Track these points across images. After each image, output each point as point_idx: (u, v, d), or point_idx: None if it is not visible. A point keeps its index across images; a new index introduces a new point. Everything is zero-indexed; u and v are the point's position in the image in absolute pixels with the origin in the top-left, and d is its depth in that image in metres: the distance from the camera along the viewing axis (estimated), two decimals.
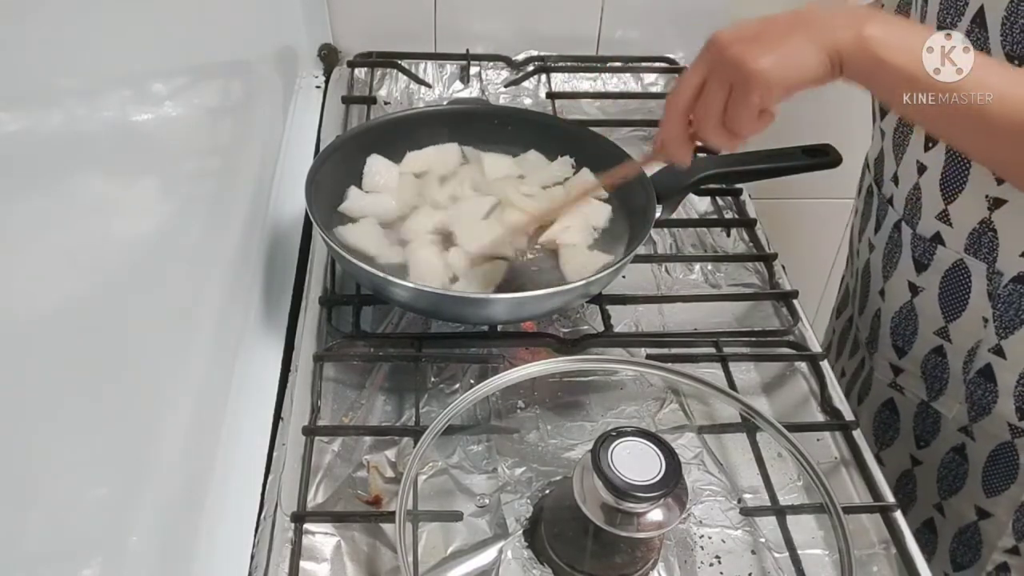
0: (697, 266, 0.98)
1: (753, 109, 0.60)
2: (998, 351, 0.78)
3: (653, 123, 1.16)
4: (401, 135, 0.94)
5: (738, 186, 1.02)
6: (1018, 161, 0.60)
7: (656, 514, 0.61)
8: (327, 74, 1.21)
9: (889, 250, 0.87)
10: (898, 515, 0.71)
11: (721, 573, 0.69)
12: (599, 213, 0.90)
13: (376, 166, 0.91)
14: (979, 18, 0.69)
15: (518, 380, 0.70)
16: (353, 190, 0.89)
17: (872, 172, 0.90)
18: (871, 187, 0.91)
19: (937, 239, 0.80)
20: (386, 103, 1.17)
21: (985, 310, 0.78)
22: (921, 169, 0.79)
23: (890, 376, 0.91)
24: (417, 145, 0.94)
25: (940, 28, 0.71)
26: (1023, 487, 0.81)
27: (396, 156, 0.93)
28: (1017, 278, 0.75)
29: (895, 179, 0.84)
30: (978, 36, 0.69)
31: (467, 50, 1.21)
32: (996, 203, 0.73)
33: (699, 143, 0.67)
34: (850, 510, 0.72)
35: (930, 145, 0.78)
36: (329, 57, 1.23)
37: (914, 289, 0.84)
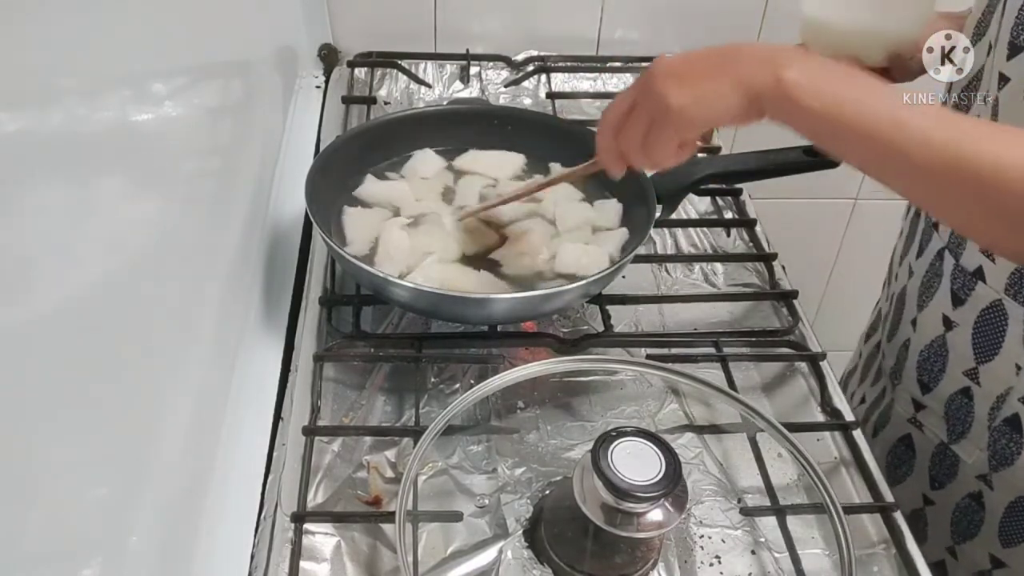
0: (697, 266, 0.98)
1: (670, 142, 0.63)
2: None
3: None
4: (401, 135, 0.94)
5: (738, 186, 1.02)
6: (944, 203, 0.57)
7: (656, 514, 0.61)
8: (327, 74, 1.21)
9: (928, 278, 0.82)
10: (898, 515, 0.71)
11: (721, 573, 0.69)
12: (606, 211, 0.89)
13: (423, 156, 0.93)
14: None
15: (518, 380, 0.70)
16: (369, 176, 0.90)
17: None
18: (918, 210, 0.87)
19: (979, 274, 0.75)
20: (386, 103, 1.17)
21: (1020, 357, 0.73)
22: None
23: (911, 411, 0.86)
24: (417, 146, 0.94)
25: (1012, 44, 0.68)
26: None
27: (396, 156, 0.93)
28: None
29: None
30: None
31: (467, 50, 1.21)
32: None
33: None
34: (850, 510, 0.72)
35: None
36: (329, 57, 1.23)
37: (948, 324, 0.80)
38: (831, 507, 0.65)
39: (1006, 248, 0.56)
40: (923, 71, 0.83)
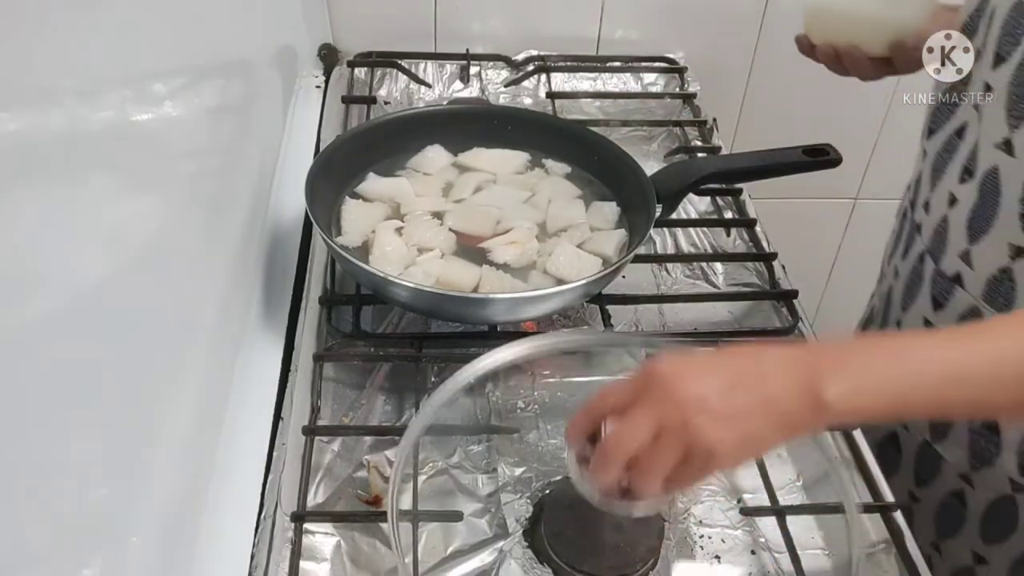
0: (697, 266, 0.98)
1: (699, 480, 0.56)
2: None
3: (653, 123, 1.16)
4: (402, 135, 0.94)
5: (738, 186, 1.02)
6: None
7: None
8: (327, 74, 1.21)
9: (911, 281, 0.84)
10: (898, 515, 0.71)
11: (721, 573, 0.69)
12: (603, 213, 0.90)
13: (431, 153, 0.92)
14: None
15: (497, 366, 0.65)
16: (371, 174, 0.90)
17: (910, 193, 0.86)
18: (905, 210, 0.88)
19: (957, 280, 0.76)
20: (386, 103, 1.17)
21: None
22: (952, 201, 0.75)
23: None
24: (417, 146, 0.94)
25: (997, 55, 0.69)
26: (1022, 538, 0.78)
27: (396, 155, 0.93)
28: None
29: (926, 206, 0.80)
30: None
31: (467, 50, 1.21)
32: (1018, 252, 0.69)
33: None
34: None
35: (965, 177, 0.74)
36: (329, 57, 1.23)
37: (929, 327, 0.81)
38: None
39: None
40: None
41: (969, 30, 0.74)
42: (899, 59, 0.83)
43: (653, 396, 0.54)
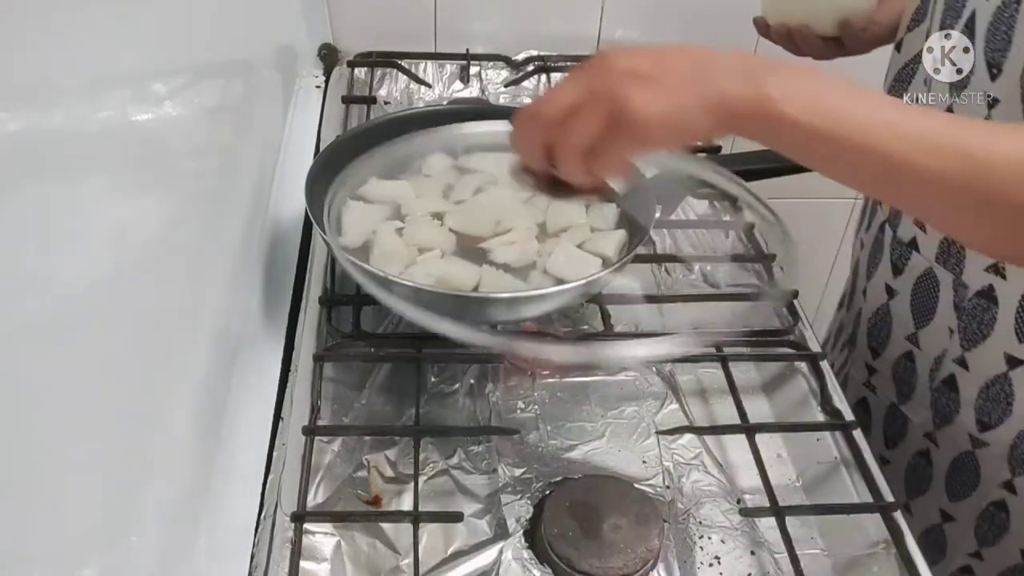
0: (697, 266, 0.98)
1: (624, 154, 0.53)
2: (961, 363, 0.79)
3: None
4: (402, 135, 0.94)
5: None
6: (950, 211, 0.54)
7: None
8: (327, 74, 1.21)
9: (874, 250, 0.88)
10: (898, 515, 0.71)
11: (721, 573, 0.69)
12: (602, 214, 0.89)
13: (432, 159, 0.92)
14: (970, 23, 0.69)
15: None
16: (373, 178, 0.90)
17: None
18: None
19: (913, 244, 0.81)
20: (386, 103, 1.17)
21: (951, 320, 0.78)
22: None
23: (865, 375, 0.92)
24: (418, 147, 0.94)
25: (942, 30, 0.72)
26: (984, 495, 0.81)
27: (397, 158, 0.93)
28: (981, 292, 0.75)
29: None
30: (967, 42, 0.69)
31: (467, 50, 1.21)
32: None
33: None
34: (850, 510, 0.72)
35: None
36: (329, 57, 1.23)
37: (891, 292, 0.85)
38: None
39: (1008, 253, 0.54)
40: (877, 44, 0.88)
41: (920, 15, 0.76)
42: (848, 39, 0.88)
43: (587, 68, 0.53)
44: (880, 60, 0.87)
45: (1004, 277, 0.73)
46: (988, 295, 0.75)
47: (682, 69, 0.51)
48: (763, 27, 0.95)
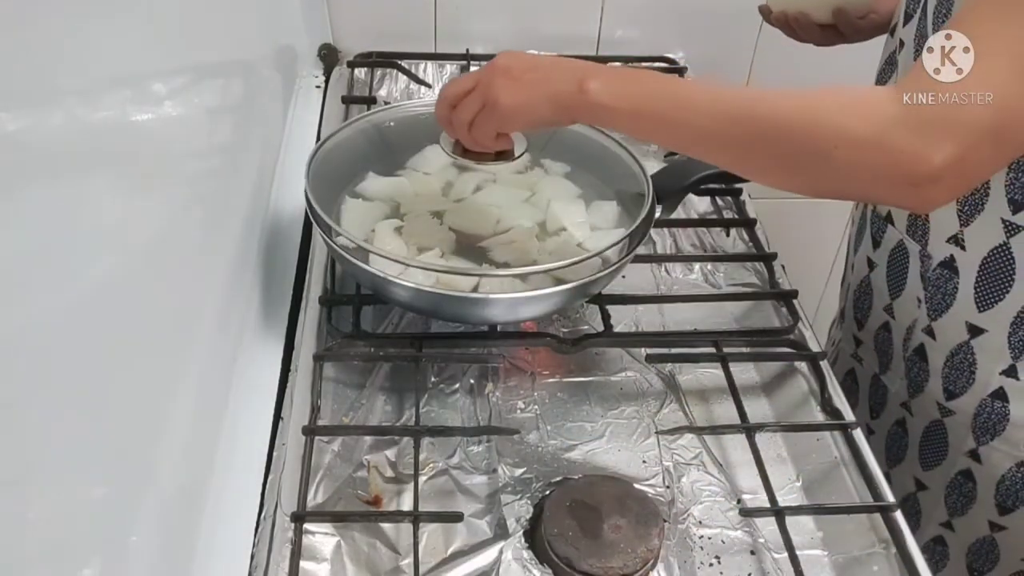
0: (697, 266, 0.98)
1: (491, 131, 0.72)
2: (929, 332, 0.82)
3: None
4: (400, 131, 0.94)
5: (738, 186, 1.02)
6: (735, 158, 0.66)
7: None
8: (327, 74, 1.21)
9: (860, 226, 0.92)
10: (898, 515, 0.71)
11: (721, 573, 0.69)
12: (603, 212, 0.89)
13: (431, 153, 0.92)
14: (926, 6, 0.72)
15: None
16: (371, 174, 0.90)
17: None
18: None
19: (888, 218, 0.85)
20: (386, 103, 1.16)
21: (919, 291, 0.81)
22: None
23: (852, 347, 0.96)
24: (418, 147, 0.94)
25: (907, 14, 0.76)
26: (952, 464, 0.84)
27: (396, 156, 0.93)
28: (944, 263, 0.78)
29: None
30: (923, 25, 0.72)
31: (467, 50, 1.21)
32: None
33: None
34: (850, 510, 0.72)
35: None
36: (329, 57, 1.23)
37: (871, 265, 0.89)
38: None
39: (790, 187, 0.64)
40: (877, 32, 0.90)
41: (911, 5, 0.78)
42: (844, 26, 0.92)
43: (485, 65, 0.71)
44: (879, 48, 0.88)
45: (964, 248, 0.76)
46: (950, 265, 0.77)
47: (537, 73, 0.68)
48: (767, 13, 0.98)
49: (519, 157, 0.79)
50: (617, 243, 0.80)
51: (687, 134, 0.65)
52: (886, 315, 0.88)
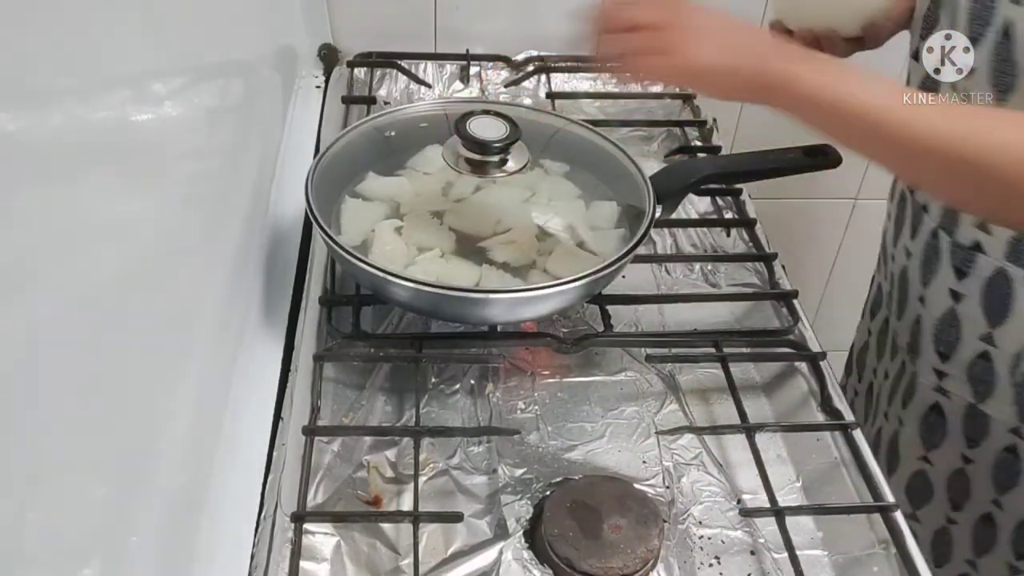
0: (697, 266, 0.98)
1: (661, 77, 0.72)
2: None
3: (653, 123, 1.16)
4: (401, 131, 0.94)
5: (738, 186, 1.02)
6: (943, 183, 0.64)
7: (509, 165, 0.80)
8: (327, 74, 1.21)
9: (927, 257, 0.87)
10: (898, 515, 0.71)
11: (721, 574, 0.69)
12: (603, 212, 0.89)
13: (431, 153, 0.92)
14: (1009, 31, 0.69)
15: None
16: (371, 174, 0.90)
17: None
18: (903, 193, 0.90)
19: (977, 247, 0.80)
20: (386, 103, 1.16)
21: None
22: None
23: (934, 381, 0.90)
24: (418, 147, 0.94)
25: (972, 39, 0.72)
26: None
27: (396, 156, 0.93)
28: None
29: None
30: (1004, 49, 0.69)
31: (467, 50, 1.21)
32: None
33: None
34: (850, 510, 0.72)
35: None
36: (329, 57, 1.23)
37: (956, 296, 0.84)
38: None
39: (997, 219, 0.63)
40: (889, 36, 0.89)
41: (929, 23, 0.77)
42: (870, 37, 0.90)
43: (670, 7, 0.67)
44: (889, 47, 0.89)
45: None
46: None
47: (741, 39, 0.65)
48: (784, 32, 0.93)
49: (520, 171, 0.79)
50: (626, 253, 0.80)
51: (897, 151, 0.62)
52: (984, 344, 0.84)
